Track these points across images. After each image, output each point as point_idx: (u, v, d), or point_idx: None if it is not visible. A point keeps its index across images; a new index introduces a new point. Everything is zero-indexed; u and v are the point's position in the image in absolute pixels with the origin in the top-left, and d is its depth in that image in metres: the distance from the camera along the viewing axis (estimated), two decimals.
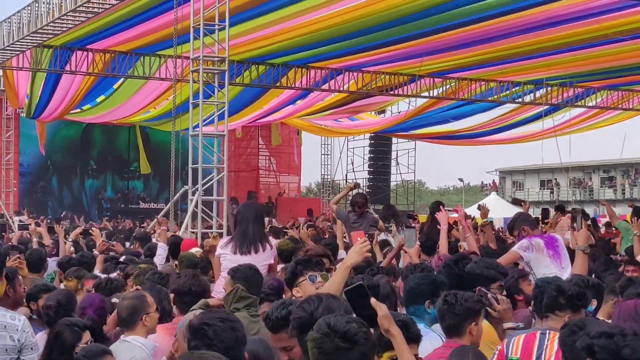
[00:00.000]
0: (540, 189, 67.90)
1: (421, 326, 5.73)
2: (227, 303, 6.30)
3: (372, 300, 4.33)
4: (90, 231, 12.09)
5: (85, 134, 40.15)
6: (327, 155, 44.92)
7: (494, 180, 68.56)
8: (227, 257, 8.83)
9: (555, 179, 65.02)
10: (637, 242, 12.53)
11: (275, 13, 19.63)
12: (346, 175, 43.50)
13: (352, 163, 43.02)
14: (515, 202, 19.41)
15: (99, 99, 29.68)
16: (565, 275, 8.42)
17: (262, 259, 8.85)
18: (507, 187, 70.90)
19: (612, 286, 7.56)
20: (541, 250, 8.75)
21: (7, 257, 7.67)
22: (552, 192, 65.42)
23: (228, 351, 4.23)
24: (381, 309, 4.33)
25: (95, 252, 10.32)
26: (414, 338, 4.73)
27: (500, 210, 35.82)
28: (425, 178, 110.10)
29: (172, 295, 6.89)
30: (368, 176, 41.83)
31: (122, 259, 9.67)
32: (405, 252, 8.52)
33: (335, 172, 44.46)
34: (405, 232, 8.66)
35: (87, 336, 5.76)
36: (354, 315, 4.23)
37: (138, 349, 6.10)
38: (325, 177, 45.92)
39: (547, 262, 8.66)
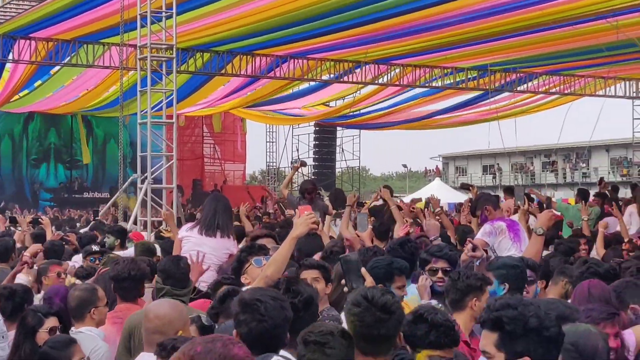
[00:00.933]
0: (483, 174, 68.54)
1: None
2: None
3: (363, 270, 5.41)
4: (39, 219, 11.99)
5: (27, 123, 39.66)
6: (272, 142, 44.93)
7: (437, 166, 69.04)
8: (191, 240, 8.87)
9: (498, 164, 65.70)
10: (585, 227, 12.75)
11: (221, 1, 19.58)
12: (291, 162, 43.50)
13: (298, 150, 43.03)
14: (464, 186, 19.50)
15: (35, 84, 29.32)
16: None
17: (226, 245, 8.92)
18: (451, 172, 71.45)
19: (561, 267, 7.69)
20: (503, 233, 8.71)
21: None
22: (494, 177, 66.07)
23: (276, 328, 4.39)
24: (369, 277, 5.35)
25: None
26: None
27: (444, 195, 36.14)
28: (370, 165, 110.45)
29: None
30: (313, 163, 41.89)
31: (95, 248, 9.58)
32: (358, 236, 8.57)
33: (281, 159, 44.49)
34: (358, 216, 8.71)
35: (52, 322, 5.76)
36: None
37: (96, 338, 6.12)
38: (271, 164, 45.90)
39: (508, 245, 8.63)
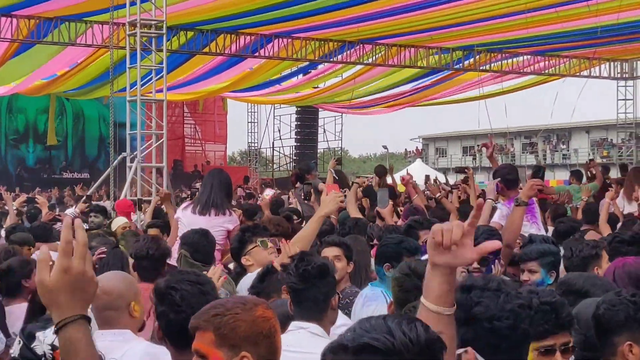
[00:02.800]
0: (463, 155, 68.61)
1: (378, 290, 5.67)
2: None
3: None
4: (35, 199, 11.76)
5: (6, 104, 39.31)
6: (254, 123, 44.70)
7: (417, 147, 69.05)
8: (182, 221, 8.67)
9: (478, 145, 65.76)
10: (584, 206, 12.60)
11: None
12: (273, 143, 43.38)
13: (279, 131, 42.91)
14: (459, 170, 19.00)
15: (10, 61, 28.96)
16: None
17: (220, 222, 8.65)
18: (430, 154, 71.48)
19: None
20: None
21: None
22: (474, 159, 66.13)
23: None
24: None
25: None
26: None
27: (425, 176, 36.09)
28: (349, 146, 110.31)
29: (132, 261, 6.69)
30: (295, 144, 41.75)
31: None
32: (379, 212, 8.41)
33: (262, 140, 44.30)
34: (379, 192, 8.52)
35: None
36: None
37: None
38: (252, 145, 45.67)
39: (527, 227, 8.25)
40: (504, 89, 31.11)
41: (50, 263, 2.55)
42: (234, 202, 14.79)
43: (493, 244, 2.93)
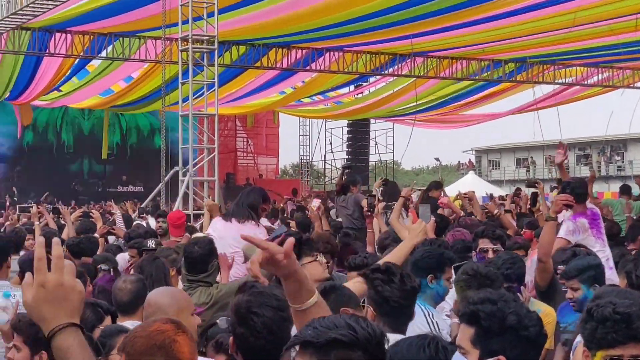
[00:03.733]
0: (517, 167, 68.03)
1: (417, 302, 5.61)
2: None
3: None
4: (90, 213, 11.89)
5: (63, 118, 39.86)
6: (306, 136, 44.72)
7: (469, 159, 68.57)
8: (213, 235, 8.68)
9: (532, 157, 65.16)
10: (630, 221, 12.50)
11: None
12: (324, 156, 43.39)
13: (331, 144, 42.85)
14: (530, 184, 18.60)
15: (73, 81, 29.42)
16: (607, 252, 8.10)
17: (247, 230, 8.55)
18: (484, 166, 70.98)
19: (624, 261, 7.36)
20: (587, 231, 8.18)
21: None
22: (528, 171, 65.52)
23: (279, 343, 3.53)
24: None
25: (96, 234, 10.16)
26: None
27: (479, 189, 35.87)
28: (402, 158, 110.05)
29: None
30: (347, 157, 41.73)
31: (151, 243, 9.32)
32: None
33: (314, 153, 44.32)
34: (420, 208, 8.49)
35: (107, 320, 5.66)
36: None
37: None
38: (304, 158, 45.74)
39: (592, 242, 8.08)
40: (556, 102, 30.87)
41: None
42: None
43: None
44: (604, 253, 7.73)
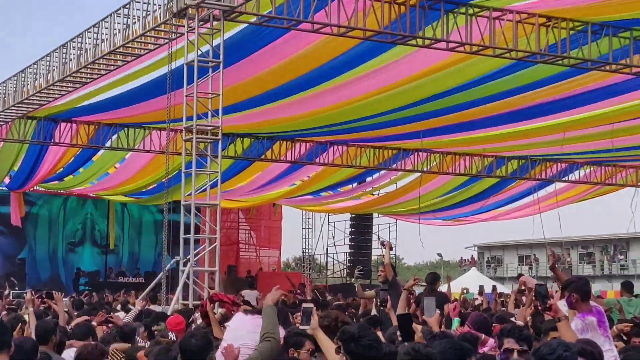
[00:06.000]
0: (519, 264, 67.79)
1: None
2: None
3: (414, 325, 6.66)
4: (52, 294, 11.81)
5: (63, 208, 39.83)
6: (308, 229, 44.66)
7: (472, 255, 68.40)
8: (230, 325, 8.64)
9: (534, 254, 65.00)
10: None
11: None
12: (327, 249, 43.28)
13: (334, 237, 42.79)
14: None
15: (80, 169, 29.59)
16: (614, 351, 8.00)
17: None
18: (486, 262, 70.80)
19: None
20: (595, 330, 8.00)
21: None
22: (530, 268, 65.31)
23: None
24: (418, 330, 6.55)
25: (94, 323, 10.05)
26: None
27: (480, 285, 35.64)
28: (404, 254, 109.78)
29: None
30: (349, 250, 41.63)
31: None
32: (425, 321, 8.26)
33: (316, 246, 44.20)
34: (425, 300, 8.36)
35: None
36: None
37: None
38: (306, 251, 45.58)
39: (600, 340, 7.98)
40: (558, 199, 30.89)
41: None
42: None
43: None
44: (612, 353, 7.61)
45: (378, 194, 35.13)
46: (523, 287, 13.29)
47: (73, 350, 8.65)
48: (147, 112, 21.50)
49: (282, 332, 6.89)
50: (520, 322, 10.12)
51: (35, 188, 36.19)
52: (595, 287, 44.96)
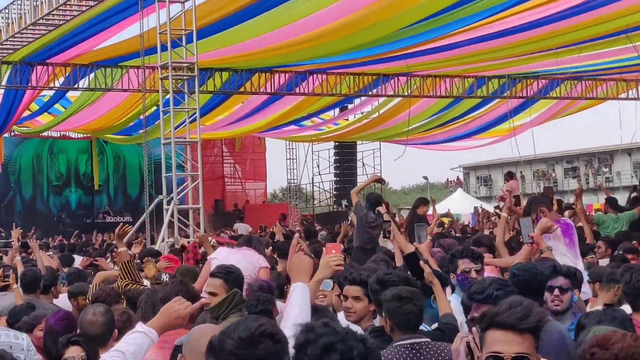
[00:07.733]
0: (505, 182, 68.00)
1: None
2: (223, 307, 6.00)
3: (421, 262, 6.25)
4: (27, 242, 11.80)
5: (46, 150, 39.66)
6: (293, 159, 44.61)
7: (457, 176, 68.55)
8: (218, 258, 8.69)
9: (520, 171, 65.23)
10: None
11: (240, 27, 19.54)
12: (312, 179, 43.33)
13: (318, 166, 42.81)
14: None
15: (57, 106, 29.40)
16: (579, 265, 8.15)
17: (253, 259, 8.76)
18: (472, 182, 70.95)
19: (612, 273, 7.37)
20: (558, 238, 8.24)
21: None
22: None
23: None
24: (427, 268, 6.11)
25: (79, 266, 10.08)
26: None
27: (467, 206, 35.83)
28: (389, 177, 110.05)
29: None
30: (334, 178, 41.67)
31: None
32: (417, 249, 8.28)
33: (301, 176, 44.21)
34: (416, 227, 8.32)
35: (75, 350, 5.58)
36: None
37: None
38: (292, 182, 45.61)
39: (563, 250, 8.19)
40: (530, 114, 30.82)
41: None
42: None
43: None
44: (576, 266, 7.69)
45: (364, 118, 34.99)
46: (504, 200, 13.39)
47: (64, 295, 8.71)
48: (121, 41, 21.19)
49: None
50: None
51: (15, 133, 36.06)
52: (584, 201, 45.06)
